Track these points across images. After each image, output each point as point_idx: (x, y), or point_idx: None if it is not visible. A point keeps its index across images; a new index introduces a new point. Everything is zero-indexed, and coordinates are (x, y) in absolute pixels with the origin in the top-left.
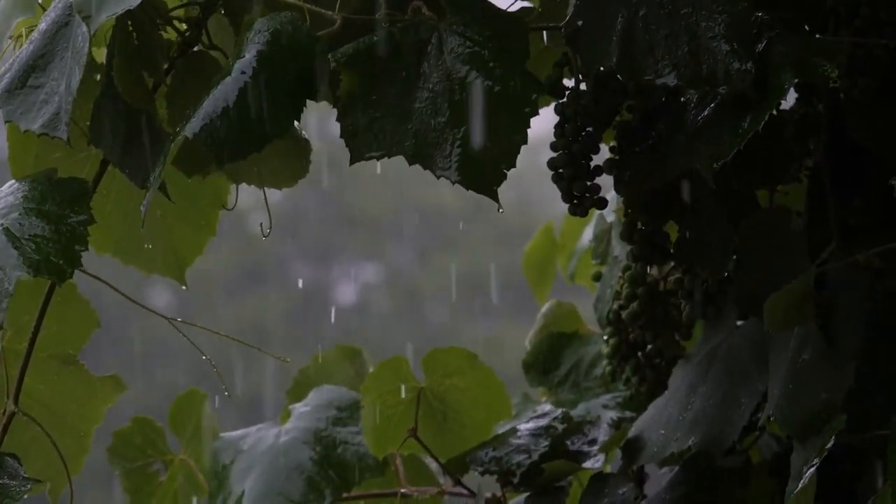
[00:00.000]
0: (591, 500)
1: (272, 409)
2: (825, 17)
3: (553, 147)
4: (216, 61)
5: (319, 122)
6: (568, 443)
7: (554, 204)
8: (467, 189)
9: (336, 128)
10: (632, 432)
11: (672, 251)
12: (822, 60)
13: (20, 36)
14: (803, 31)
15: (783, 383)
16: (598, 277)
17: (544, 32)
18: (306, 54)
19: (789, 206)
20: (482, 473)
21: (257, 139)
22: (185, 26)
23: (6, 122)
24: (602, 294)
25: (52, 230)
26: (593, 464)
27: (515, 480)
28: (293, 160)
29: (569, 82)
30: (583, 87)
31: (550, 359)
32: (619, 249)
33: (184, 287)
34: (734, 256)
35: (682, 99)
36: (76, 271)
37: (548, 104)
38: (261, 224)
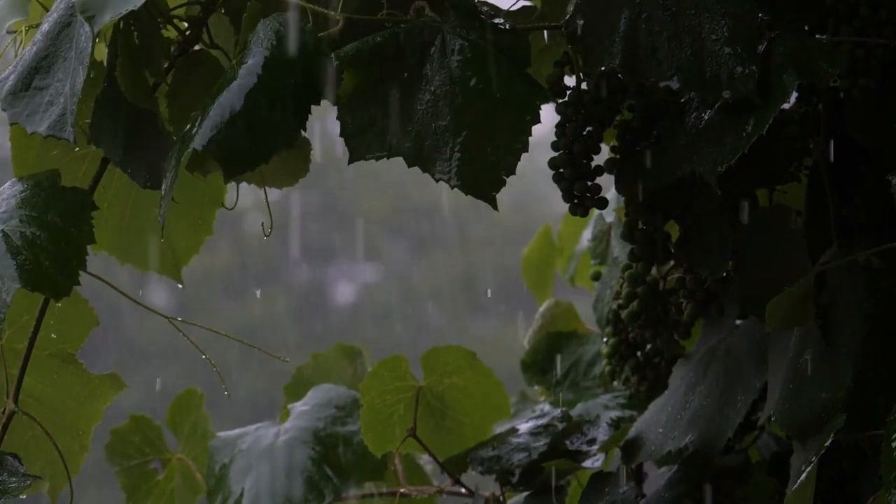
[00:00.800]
0: (592, 498)
1: (271, 409)
2: (825, 16)
3: (554, 147)
4: (217, 60)
5: (319, 121)
6: (567, 442)
7: (552, 202)
8: (466, 194)
9: (335, 127)
10: (631, 432)
11: (673, 251)
12: (823, 63)
13: (18, 32)
14: (803, 30)
15: (783, 384)
16: (596, 277)
17: (545, 31)
18: (310, 57)
19: (788, 205)
20: (482, 473)
21: (266, 150)
22: (185, 25)
23: (11, 124)
24: (601, 294)
25: (52, 243)
26: (592, 463)
27: (514, 480)
28: (293, 159)
29: (569, 81)
30: (583, 86)
31: (549, 358)
32: (619, 249)
33: (180, 286)
34: (735, 255)
35: (683, 100)
36: None
37: (547, 103)
38: (262, 223)
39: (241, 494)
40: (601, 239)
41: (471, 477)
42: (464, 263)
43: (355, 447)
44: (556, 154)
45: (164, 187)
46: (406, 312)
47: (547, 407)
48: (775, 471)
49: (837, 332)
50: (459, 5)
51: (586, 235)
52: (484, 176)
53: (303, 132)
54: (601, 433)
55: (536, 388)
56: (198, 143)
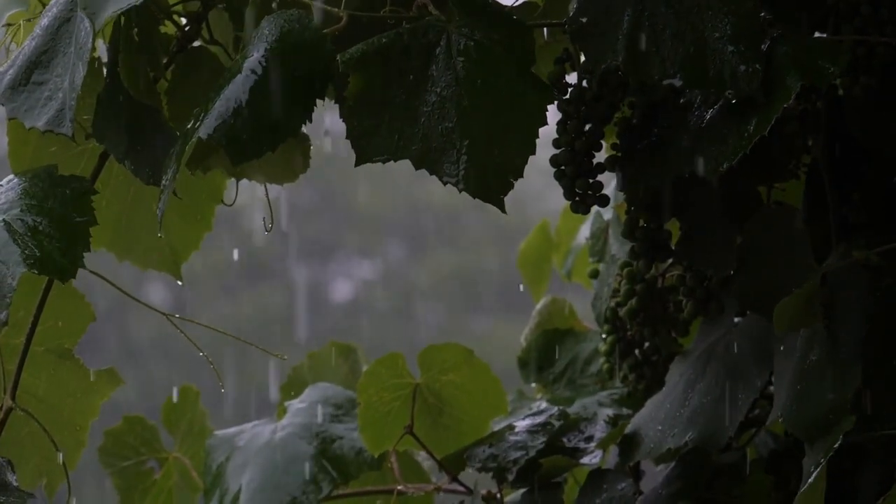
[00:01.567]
0: (590, 495)
1: (268, 406)
2: (825, 15)
3: (556, 144)
4: (216, 56)
5: (317, 118)
6: (564, 439)
7: (549, 200)
8: (474, 197)
9: (334, 124)
10: (629, 429)
11: (674, 248)
12: (826, 63)
13: (15, 25)
14: (804, 29)
15: (790, 384)
16: (594, 275)
17: (544, 28)
18: (315, 52)
19: (786, 202)
20: (479, 470)
21: (272, 138)
22: (184, 21)
23: (9, 119)
24: (600, 292)
25: (55, 228)
26: (590, 460)
27: (511, 477)
28: (294, 156)
29: (569, 78)
30: (583, 83)
31: (546, 355)
32: (617, 247)
33: (179, 283)
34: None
35: (683, 100)
36: None
37: (552, 103)
38: (263, 219)
39: (239, 490)
40: (599, 236)
41: (468, 474)
42: (461, 261)
43: (352, 443)
44: (557, 151)
45: (164, 181)
46: (403, 310)
47: (544, 404)
48: (773, 469)
49: (838, 330)
50: (464, 3)
51: (583, 231)
52: (492, 179)
53: (303, 128)
54: (598, 430)
55: (533, 385)
56: (203, 132)
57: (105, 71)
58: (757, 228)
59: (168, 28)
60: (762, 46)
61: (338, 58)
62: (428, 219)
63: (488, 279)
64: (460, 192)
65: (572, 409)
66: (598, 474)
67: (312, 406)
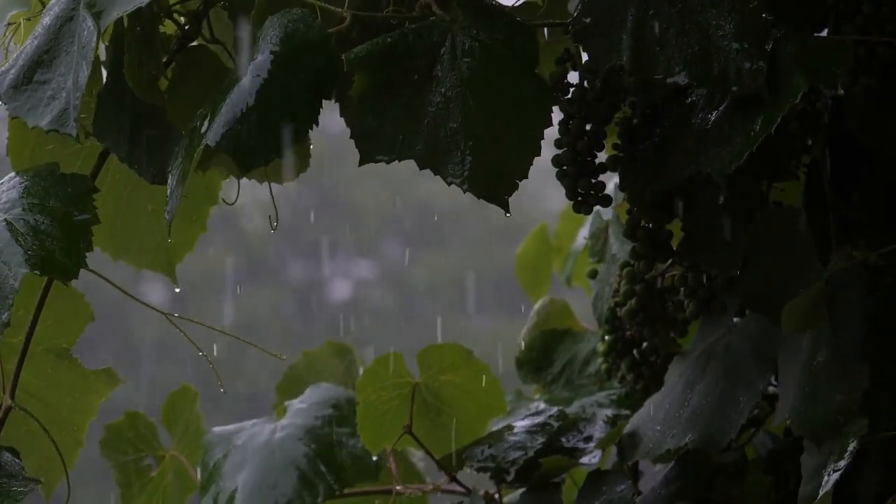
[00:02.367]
0: (590, 496)
1: (267, 405)
2: (826, 14)
3: (557, 144)
4: (216, 55)
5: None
6: (563, 440)
7: (547, 201)
8: (478, 198)
9: (331, 123)
10: (627, 429)
11: (676, 249)
12: (830, 65)
13: (16, 25)
14: (807, 30)
15: (798, 386)
16: (593, 275)
17: (545, 28)
18: (320, 53)
19: (785, 202)
20: (478, 470)
21: (279, 143)
22: (184, 20)
23: (12, 118)
24: (601, 292)
25: (57, 227)
26: (589, 460)
27: (510, 477)
28: (294, 154)
29: (570, 78)
30: (585, 83)
31: (544, 356)
32: (617, 247)
33: (174, 284)
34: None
35: (689, 101)
36: None
37: (556, 104)
38: (269, 217)
39: (235, 490)
40: (599, 236)
41: (467, 474)
42: (459, 261)
43: (351, 450)
44: (559, 152)
45: (170, 184)
46: (402, 310)
47: (543, 404)
48: (772, 469)
49: (839, 331)
50: (469, 4)
51: (583, 234)
52: (496, 179)
53: None
54: (597, 430)
55: (532, 385)
56: (211, 138)
57: (105, 70)
58: (760, 229)
59: (168, 27)
60: (766, 46)
61: (342, 58)
62: (427, 219)
63: (488, 279)
64: (465, 192)
65: (571, 410)
66: (597, 476)
67: (312, 407)
